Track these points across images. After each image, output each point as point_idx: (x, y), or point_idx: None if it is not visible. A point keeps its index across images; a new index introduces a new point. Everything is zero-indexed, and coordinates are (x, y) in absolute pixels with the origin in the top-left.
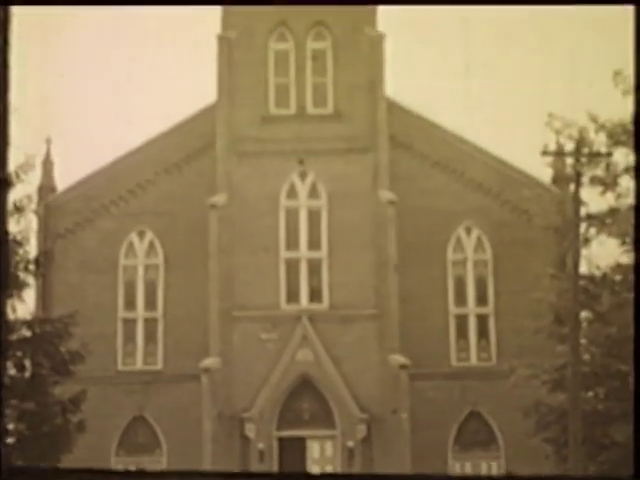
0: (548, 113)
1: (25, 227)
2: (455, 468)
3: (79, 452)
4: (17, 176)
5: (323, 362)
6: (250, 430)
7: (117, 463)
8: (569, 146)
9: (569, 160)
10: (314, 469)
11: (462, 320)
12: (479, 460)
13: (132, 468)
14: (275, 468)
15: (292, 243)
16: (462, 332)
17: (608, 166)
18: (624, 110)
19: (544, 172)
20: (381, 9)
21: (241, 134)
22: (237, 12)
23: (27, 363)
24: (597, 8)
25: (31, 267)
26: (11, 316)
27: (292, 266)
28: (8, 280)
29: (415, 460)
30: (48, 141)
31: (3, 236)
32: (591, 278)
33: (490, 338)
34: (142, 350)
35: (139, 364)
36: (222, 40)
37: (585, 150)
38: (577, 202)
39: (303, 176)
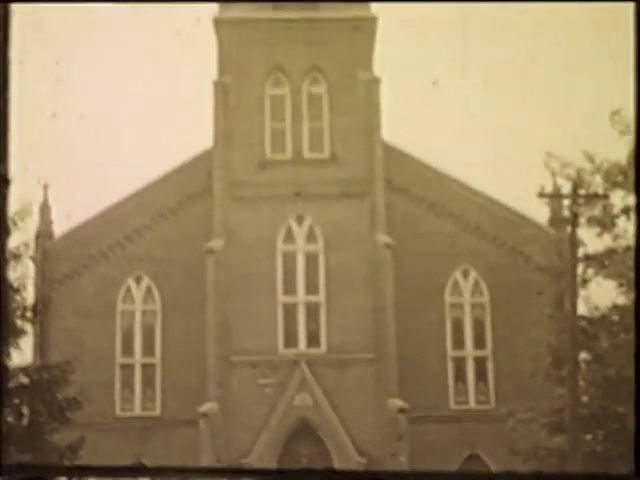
0: (546, 153)
1: (22, 274)
2: None
3: None
4: (14, 223)
5: (322, 406)
6: None
7: None
8: (566, 187)
9: (566, 201)
10: None
11: (460, 363)
12: None
13: None
14: None
15: (289, 287)
16: (460, 375)
17: (605, 207)
18: (621, 151)
19: (541, 213)
20: (378, 56)
21: (238, 179)
22: (233, 57)
23: (25, 410)
24: (595, 52)
25: (28, 314)
26: (8, 363)
27: (290, 310)
28: (6, 328)
29: None
30: (45, 187)
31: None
32: (589, 319)
33: (488, 381)
34: (140, 396)
35: (137, 410)
36: (218, 85)
37: (582, 192)
38: (574, 243)
39: (300, 220)
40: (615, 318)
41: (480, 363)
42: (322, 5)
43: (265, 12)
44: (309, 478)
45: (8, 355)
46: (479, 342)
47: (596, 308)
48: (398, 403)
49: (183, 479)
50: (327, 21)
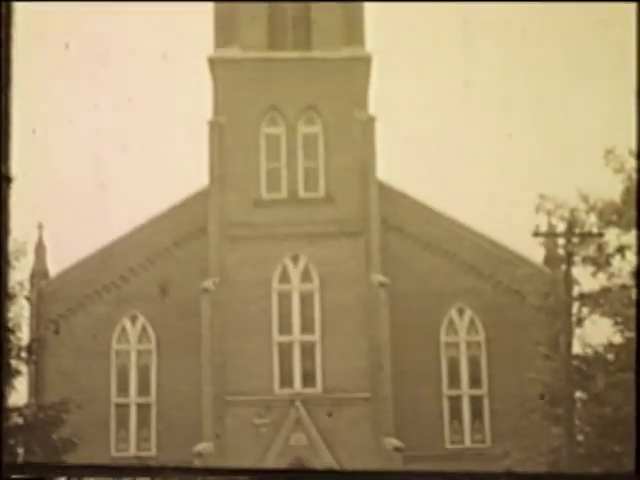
0: (539, 195)
1: (17, 314)
2: None
3: None
4: (9, 264)
5: (317, 446)
6: None
7: None
8: (561, 226)
9: (561, 240)
10: None
11: (456, 402)
12: None
13: None
14: None
15: (285, 327)
16: (456, 414)
17: (600, 246)
18: (615, 189)
19: (536, 252)
20: (373, 93)
21: (233, 219)
22: (228, 97)
23: (20, 451)
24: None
25: (23, 354)
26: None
27: (285, 350)
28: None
29: None
30: (40, 227)
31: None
32: (584, 358)
33: (484, 420)
34: (135, 436)
35: (132, 450)
36: (213, 125)
37: (576, 230)
38: (569, 282)
39: (295, 260)
40: (611, 357)
41: (476, 402)
42: (316, 45)
43: (260, 52)
44: (309, 478)
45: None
46: (475, 381)
47: (591, 347)
48: (394, 442)
49: (183, 478)
50: (322, 61)
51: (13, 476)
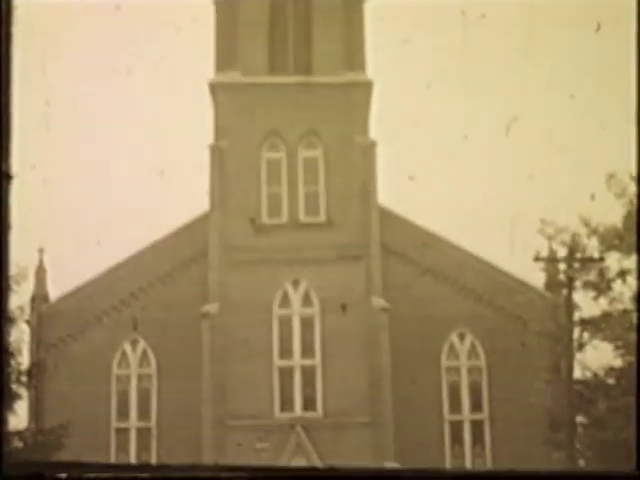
0: (540, 219)
1: (17, 338)
2: None
3: None
4: (9, 288)
5: None
6: None
7: None
8: (562, 251)
9: (562, 265)
10: None
11: (457, 426)
12: None
13: None
14: None
15: (285, 351)
16: (457, 438)
17: (601, 271)
18: (617, 213)
19: (537, 277)
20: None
21: (233, 243)
22: (229, 121)
23: None
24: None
25: (23, 379)
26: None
27: (285, 374)
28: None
29: None
30: (41, 251)
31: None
32: (586, 383)
33: (485, 444)
34: (136, 460)
35: None
36: (214, 149)
37: (578, 255)
38: (570, 307)
39: (296, 284)
40: (612, 381)
41: (477, 426)
42: (317, 70)
43: (261, 76)
44: (310, 476)
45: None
46: (476, 405)
47: (592, 371)
48: (395, 466)
49: (184, 476)
50: (322, 86)
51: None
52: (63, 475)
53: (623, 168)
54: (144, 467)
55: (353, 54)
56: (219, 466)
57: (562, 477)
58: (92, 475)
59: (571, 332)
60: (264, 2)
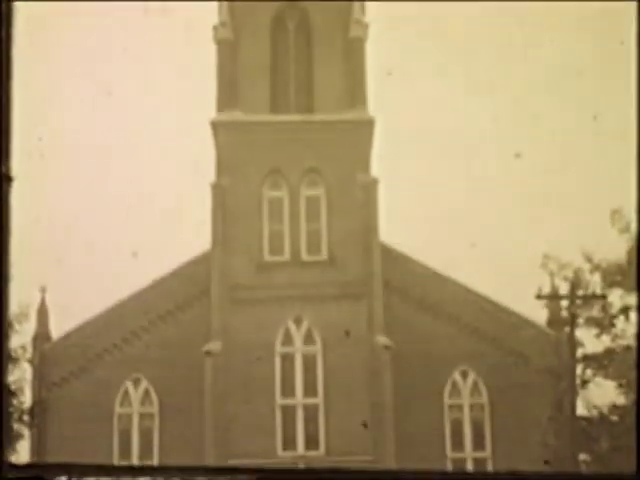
0: (543, 254)
1: (19, 377)
2: None
3: None
4: (11, 327)
5: None
6: None
7: None
8: (564, 287)
9: (565, 301)
10: None
11: (460, 464)
12: None
13: None
14: None
15: (288, 389)
16: None
17: (604, 307)
18: (620, 249)
19: (540, 313)
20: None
21: (236, 282)
22: (230, 160)
23: None
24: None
25: (25, 418)
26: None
27: (288, 413)
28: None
29: None
30: (43, 290)
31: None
32: (589, 420)
33: None
34: None
35: None
36: (216, 188)
37: (580, 292)
38: (572, 344)
39: (298, 322)
40: (615, 419)
41: (480, 464)
42: (319, 108)
43: (262, 115)
44: (311, 476)
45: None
46: (478, 443)
47: (596, 409)
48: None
49: (184, 478)
50: (324, 123)
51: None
52: (63, 478)
53: (628, 204)
54: (144, 469)
55: (354, 92)
56: (219, 468)
57: (563, 478)
58: (92, 478)
59: (574, 369)
60: (265, 41)
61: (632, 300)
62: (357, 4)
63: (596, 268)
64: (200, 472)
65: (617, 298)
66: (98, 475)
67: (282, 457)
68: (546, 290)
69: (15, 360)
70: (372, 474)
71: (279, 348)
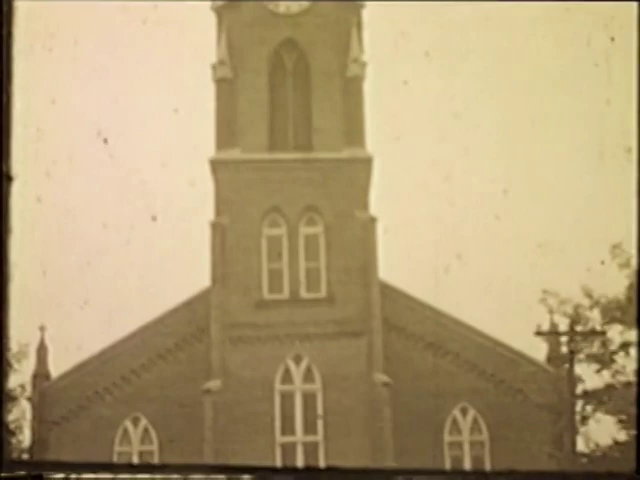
0: (543, 290)
1: (18, 416)
2: None
3: None
4: (10, 366)
5: None
6: None
7: None
8: (564, 323)
9: (564, 337)
10: None
11: None
12: None
13: None
14: None
15: (287, 428)
16: None
17: (604, 343)
18: (620, 285)
19: (539, 349)
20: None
21: (235, 320)
22: (229, 198)
23: None
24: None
25: (24, 457)
26: None
27: (288, 451)
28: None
29: None
30: (42, 328)
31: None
32: (589, 457)
33: None
34: None
35: None
36: (215, 226)
37: (579, 328)
38: (572, 381)
39: (298, 360)
40: (616, 455)
41: None
42: (317, 146)
43: (261, 153)
44: (310, 476)
45: None
46: None
47: (596, 445)
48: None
49: (184, 476)
50: (322, 162)
51: (13, 474)
52: (62, 475)
53: (628, 238)
54: (144, 467)
55: (352, 130)
56: (219, 466)
57: (563, 477)
58: (91, 476)
59: (574, 405)
60: (263, 80)
61: (632, 336)
62: (355, 43)
63: (596, 304)
64: (199, 470)
65: (617, 334)
66: (97, 472)
67: None
68: (545, 326)
69: (14, 399)
70: (372, 474)
71: (279, 386)
